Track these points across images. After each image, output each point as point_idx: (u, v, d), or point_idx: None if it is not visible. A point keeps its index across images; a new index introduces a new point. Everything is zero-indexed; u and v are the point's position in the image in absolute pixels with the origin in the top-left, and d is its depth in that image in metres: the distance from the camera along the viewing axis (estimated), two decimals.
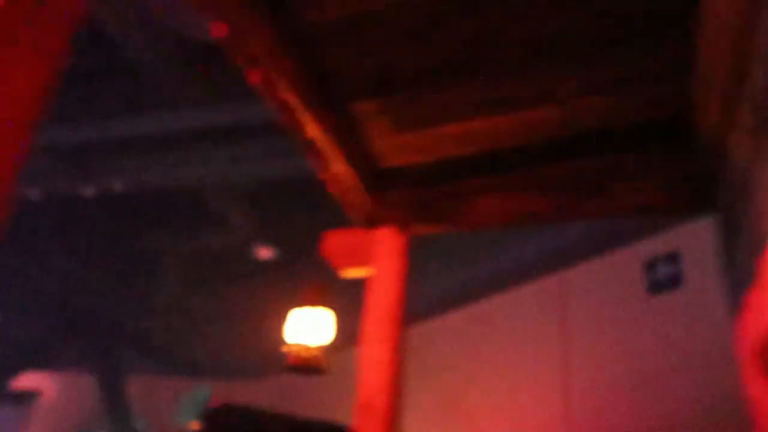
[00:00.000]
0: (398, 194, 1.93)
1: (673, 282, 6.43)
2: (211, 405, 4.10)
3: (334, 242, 2.15)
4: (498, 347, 7.82)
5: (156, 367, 13.77)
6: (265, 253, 9.56)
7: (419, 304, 9.10)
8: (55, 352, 11.98)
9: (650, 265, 6.69)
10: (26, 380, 12.56)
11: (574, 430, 6.29)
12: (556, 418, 6.50)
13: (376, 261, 1.89)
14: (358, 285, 7.13)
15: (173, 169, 8.65)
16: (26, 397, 13.78)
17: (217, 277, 10.54)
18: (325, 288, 3.27)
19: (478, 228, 2.00)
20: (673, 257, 6.52)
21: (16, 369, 11.67)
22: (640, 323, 6.42)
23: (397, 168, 1.87)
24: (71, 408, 13.55)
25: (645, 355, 6.10)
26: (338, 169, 1.68)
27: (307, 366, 3.29)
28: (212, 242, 9.87)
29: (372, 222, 1.95)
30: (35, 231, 9.73)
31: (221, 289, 10.90)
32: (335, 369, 10.43)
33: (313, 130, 1.53)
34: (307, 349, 3.36)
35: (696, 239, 6.27)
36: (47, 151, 8.55)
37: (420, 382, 9.18)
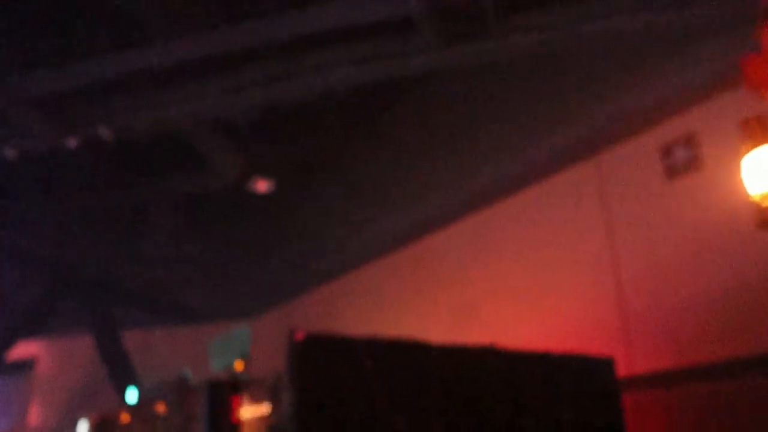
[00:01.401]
0: None
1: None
2: (296, 338, 3.87)
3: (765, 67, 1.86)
4: (527, 246, 7.90)
5: (151, 319, 13.54)
6: (262, 186, 9.32)
7: (431, 213, 9.08)
8: (48, 317, 11.61)
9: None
10: (21, 350, 12.19)
11: (631, 318, 6.47)
12: (611, 308, 6.65)
13: None
14: None
15: (158, 109, 8.22)
16: (22, 367, 13.44)
17: (213, 218, 10.28)
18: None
19: None
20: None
21: (9, 339, 11.29)
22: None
23: None
24: (71, 373, 13.29)
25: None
26: None
27: None
28: (204, 182, 9.55)
29: None
30: (15, 192, 9.23)
31: (217, 231, 10.67)
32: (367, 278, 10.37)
33: None
34: None
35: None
36: (21, 104, 7.99)
37: (435, 294, 9.29)
